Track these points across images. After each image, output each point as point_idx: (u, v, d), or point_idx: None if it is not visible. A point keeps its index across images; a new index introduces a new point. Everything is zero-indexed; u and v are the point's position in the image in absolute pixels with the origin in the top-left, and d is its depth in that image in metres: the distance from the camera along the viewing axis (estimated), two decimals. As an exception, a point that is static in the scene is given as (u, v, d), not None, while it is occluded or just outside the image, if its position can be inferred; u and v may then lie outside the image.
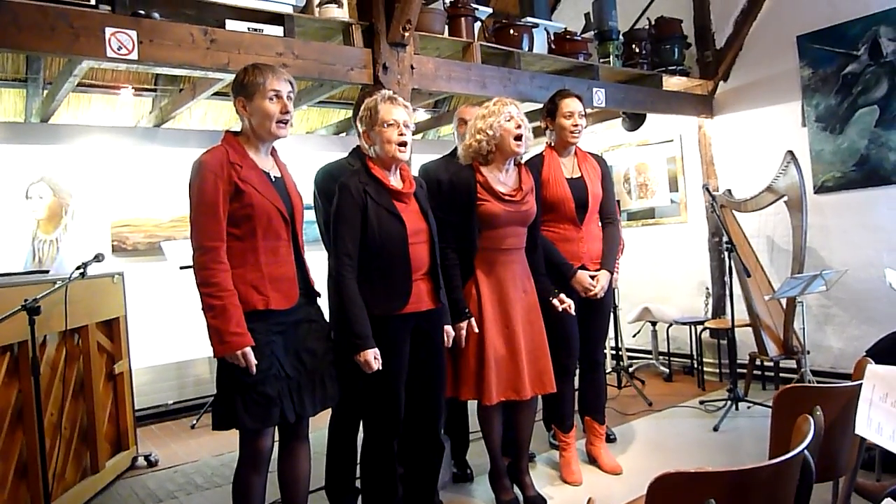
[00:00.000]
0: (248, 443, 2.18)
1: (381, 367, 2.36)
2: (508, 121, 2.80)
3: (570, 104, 3.21)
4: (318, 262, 2.51)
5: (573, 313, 3.01)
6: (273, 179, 2.24)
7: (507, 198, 2.82)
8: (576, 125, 3.19)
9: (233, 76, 2.31)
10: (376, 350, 2.35)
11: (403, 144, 2.47)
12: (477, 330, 2.75)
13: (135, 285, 4.38)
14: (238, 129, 2.29)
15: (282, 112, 2.19)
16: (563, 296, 2.99)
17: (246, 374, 2.08)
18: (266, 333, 2.13)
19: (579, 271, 3.14)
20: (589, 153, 3.37)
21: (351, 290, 2.37)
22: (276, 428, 2.29)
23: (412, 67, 3.48)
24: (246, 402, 2.10)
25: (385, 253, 2.41)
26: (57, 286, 2.75)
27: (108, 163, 4.96)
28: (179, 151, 4.96)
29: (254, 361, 2.07)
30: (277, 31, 3.14)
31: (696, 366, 5.10)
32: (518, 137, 2.80)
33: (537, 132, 5.09)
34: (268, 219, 2.15)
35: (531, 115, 5.33)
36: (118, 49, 2.70)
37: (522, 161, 2.97)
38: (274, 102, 2.18)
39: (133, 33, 2.72)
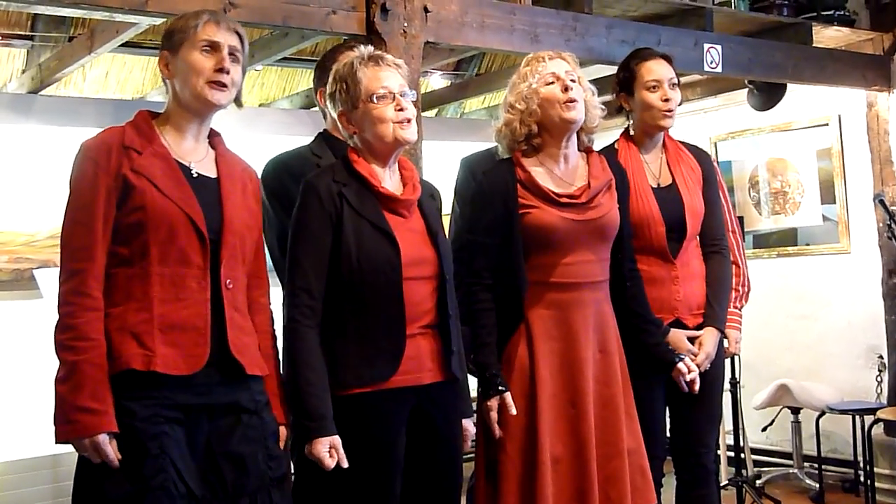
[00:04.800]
0: None
1: (346, 467, 2.33)
2: (550, 84, 2.81)
3: (655, 69, 3.21)
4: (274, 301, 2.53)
5: (696, 390, 2.97)
6: (194, 175, 2.25)
7: (564, 200, 2.82)
8: (666, 100, 3.18)
9: (152, 21, 2.37)
10: (335, 439, 2.33)
11: (407, 121, 2.50)
12: (514, 411, 2.72)
13: (-7, 335, 4.43)
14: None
15: (215, 69, 2.22)
16: (689, 361, 2.97)
17: (113, 483, 2.05)
18: (152, 420, 2.09)
19: (672, 331, 3.13)
20: (683, 144, 3.37)
21: (306, 345, 2.38)
22: None
23: (426, 10, 3.51)
24: None
25: (366, 290, 2.42)
26: None
27: (-43, 147, 5.02)
28: (67, 131, 5.01)
29: (113, 455, 2.04)
30: (223, -47, 3.19)
31: (862, 479, 5.03)
32: (569, 101, 2.80)
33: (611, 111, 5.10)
34: (169, 231, 2.15)
35: (605, 84, 5.38)
36: (-19, -22, 2.75)
37: (594, 138, 2.98)
38: (206, 56, 2.23)
39: (4, -46, 2.78)
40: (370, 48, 2.60)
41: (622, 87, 3.27)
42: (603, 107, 2.93)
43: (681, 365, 2.93)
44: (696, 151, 3.37)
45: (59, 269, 2.17)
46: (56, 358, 2.09)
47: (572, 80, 2.80)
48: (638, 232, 3.12)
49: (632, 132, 3.29)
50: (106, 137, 2.20)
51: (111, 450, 2.04)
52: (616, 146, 3.25)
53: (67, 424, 2.05)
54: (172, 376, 2.12)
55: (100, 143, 2.19)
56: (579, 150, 2.93)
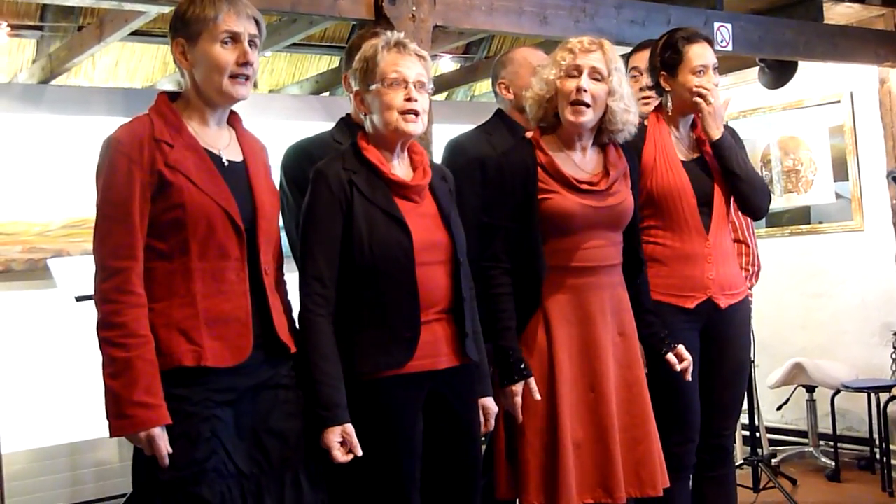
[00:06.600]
0: None
1: (360, 457, 2.34)
2: (571, 77, 2.77)
3: (702, 53, 3.16)
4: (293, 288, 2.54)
5: (689, 378, 2.98)
6: (225, 164, 2.26)
7: (585, 187, 2.81)
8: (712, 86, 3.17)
9: (161, 9, 2.36)
10: (348, 427, 2.34)
11: (413, 113, 2.48)
12: (538, 396, 2.74)
13: (7, 325, 4.43)
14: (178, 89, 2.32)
15: (238, 62, 2.22)
16: (682, 348, 2.96)
17: (169, 467, 2.09)
18: (204, 404, 2.14)
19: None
20: None
21: (319, 334, 2.39)
22: None
23: (435, -7, 3.52)
24: None
25: (380, 276, 2.43)
26: None
27: (-31, 138, 5.04)
28: (77, 121, 5.02)
29: (165, 450, 2.07)
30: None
31: (879, 457, 5.03)
32: (576, 103, 2.76)
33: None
34: (207, 226, 2.16)
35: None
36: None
37: (618, 138, 2.93)
38: (228, 48, 2.21)
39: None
40: (400, 35, 2.58)
41: (664, 66, 3.22)
42: (634, 109, 2.86)
43: (670, 356, 2.90)
44: (727, 129, 3.37)
45: (95, 262, 2.16)
46: (102, 352, 2.10)
47: (597, 79, 2.75)
48: (667, 203, 3.10)
49: (667, 111, 3.24)
50: (135, 129, 2.18)
51: (164, 444, 2.07)
52: (646, 122, 3.23)
53: (123, 419, 2.07)
54: (219, 369, 2.16)
55: (131, 137, 2.16)
56: (596, 143, 2.92)
